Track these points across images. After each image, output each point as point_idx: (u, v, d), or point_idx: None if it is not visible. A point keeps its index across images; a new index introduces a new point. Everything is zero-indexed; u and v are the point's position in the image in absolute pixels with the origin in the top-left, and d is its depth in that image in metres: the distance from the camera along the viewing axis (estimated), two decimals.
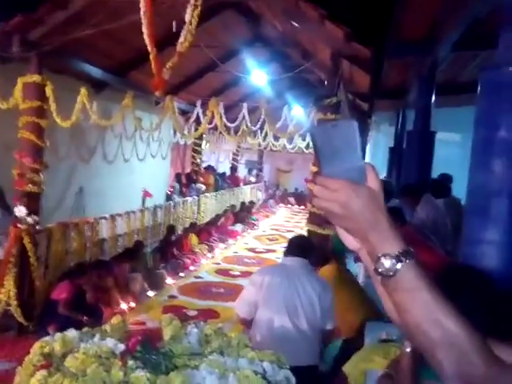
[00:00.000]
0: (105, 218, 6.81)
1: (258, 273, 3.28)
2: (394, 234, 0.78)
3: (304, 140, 13.12)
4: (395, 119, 9.64)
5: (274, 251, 9.97)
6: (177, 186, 11.32)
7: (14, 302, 4.91)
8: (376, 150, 13.19)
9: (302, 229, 10.43)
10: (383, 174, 10.38)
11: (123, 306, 5.90)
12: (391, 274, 0.77)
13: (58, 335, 1.92)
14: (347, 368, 2.23)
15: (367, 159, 13.94)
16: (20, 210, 5.01)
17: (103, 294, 5.79)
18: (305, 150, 13.99)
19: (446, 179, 5.93)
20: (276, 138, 12.34)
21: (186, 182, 11.62)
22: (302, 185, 17.94)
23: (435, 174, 6.15)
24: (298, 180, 18.98)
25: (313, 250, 3.37)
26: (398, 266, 0.76)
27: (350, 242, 0.85)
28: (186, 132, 9.38)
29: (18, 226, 5.06)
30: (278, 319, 2.99)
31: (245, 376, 1.70)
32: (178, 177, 11.80)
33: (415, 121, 6.12)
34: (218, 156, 16.19)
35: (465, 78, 7.31)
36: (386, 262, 0.77)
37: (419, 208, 4.35)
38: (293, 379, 1.79)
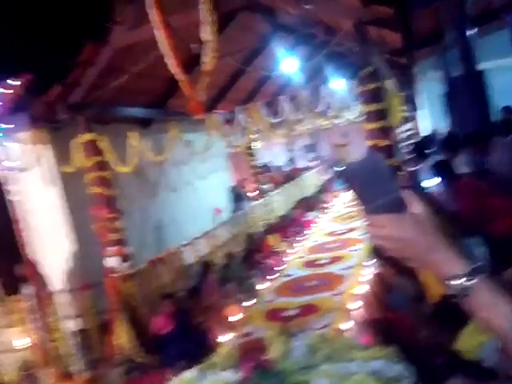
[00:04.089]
0: (186, 244, 7.09)
1: None
2: (456, 253, 0.77)
3: (352, 111, 12.85)
4: (440, 64, 9.17)
5: (354, 229, 9.84)
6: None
7: (130, 344, 5.27)
8: (431, 98, 12.59)
9: None
10: (444, 124, 9.92)
11: (228, 319, 6.06)
12: (465, 294, 0.75)
13: (180, 378, 2.05)
14: (461, 344, 2.19)
15: (422, 111, 13.36)
16: (110, 261, 5.35)
17: (204, 315, 6.02)
18: (356, 120, 13.69)
19: (509, 112, 5.58)
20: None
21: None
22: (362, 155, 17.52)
23: (497, 107, 5.80)
24: (356, 152, 18.56)
25: None
26: (469, 284, 0.75)
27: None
28: (234, 141, 9.53)
29: (112, 275, 5.41)
30: None
31: (359, 381, 1.73)
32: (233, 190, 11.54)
33: (459, 61, 5.82)
34: (272, 151, 16.25)
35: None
36: (456, 283, 0.76)
37: (491, 155, 4.13)
38: (407, 372, 1.80)
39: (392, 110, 5.48)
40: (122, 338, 5.28)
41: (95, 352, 5.52)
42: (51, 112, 5.75)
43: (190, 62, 6.48)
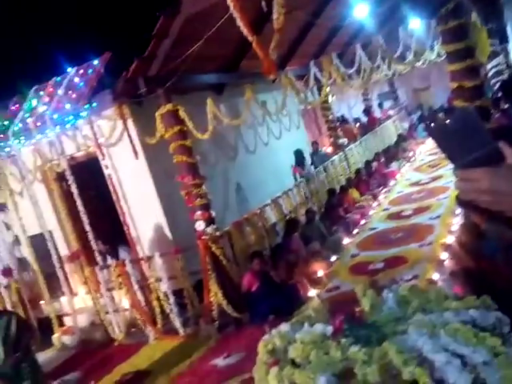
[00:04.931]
0: (268, 204, 7.23)
1: None
2: None
3: (432, 50, 12.02)
4: None
5: (439, 178, 9.43)
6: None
7: (223, 302, 5.59)
8: None
9: None
10: None
11: (314, 275, 6.18)
12: None
13: (275, 332, 2.17)
14: None
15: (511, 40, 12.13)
16: (200, 225, 5.64)
17: (290, 271, 6.19)
18: (437, 60, 12.81)
19: None
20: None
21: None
22: (445, 99, 16.43)
23: None
24: (439, 95, 17.46)
25: None
26: None
27: None
28: (309, 96, 9.37)
29: (203, 237, 5.70)
30: None
31: (455, 329, 1.73)
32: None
33: None
34: (348, 103, 15.76)
35: None
36: None
37: None
38: (505, 318, 1.76)
39: (479, 46, 5.05)
40: (215, 296, 5.60)
41: (192, 309, 5.92)
42: (132, 87, 6.00)
43: (260, 22, 6.41)
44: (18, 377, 4.32)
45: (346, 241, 7.36)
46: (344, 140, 11.41)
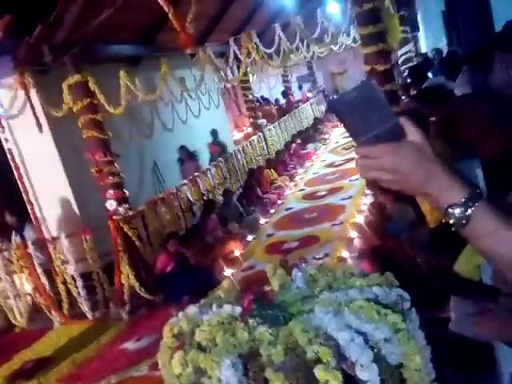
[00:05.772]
0: (185, 183, 7.07)
1: None
2: (455, 180, 0.73)
3: (348, 35, 12.36)
4: None
5: (352, 159, 9.79)
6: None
7: (136, 284, 5.40)
8: (428, 17, 12.06)
9: None
10: (443, 43, 9.57)
11: (230, 255, 6.17)
12: (464, 222, 0.73)
13: (181, 315, 2.08)
14: (459, 266, 2.21)
15: (421, 29, 12.82)
16: (111, 204, 5.37)
17: (206, 252, 6.14)
18: (353, 45, 13.21)
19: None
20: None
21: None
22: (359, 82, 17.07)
23: (501, 21, 5.50)
24: (354, 79, 18.10)
25: None
26: (468, 212, 0.72)
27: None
28: (229, 74, 9.24)
29: (114, 217, 5.44)
30: None
31: (359, 307, 1.75)
32: None
33: None
34: (268, 83, 15.82)
35: None
36: (455, 212, 0.73)
37: (494, 72, 3.95)
38: (406, 295, 1.81)
39: (390, 32, 5.23)
40: (127, 278, 5.40)
41: (101, 293, 5.67)
42: (36, 54, 5.51)
43: None
44: None
45: (262, 221, 7.43)
46: (263, 121, 11.47)
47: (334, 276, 2.15)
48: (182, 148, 9.07)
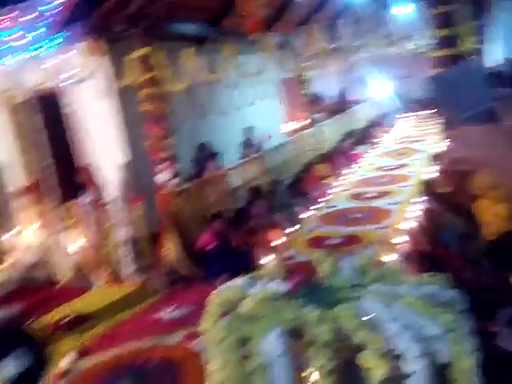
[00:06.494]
0: (233, 168, 7.13)
1: None
2: None
3: (416, 40, 12.03)
4: None
5: (405, 166, 9.58)
6: None
7: (177, 257, 5.52)
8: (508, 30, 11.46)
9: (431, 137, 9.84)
10: None
11: (271, 243, 6.18)
12: None
13: (229, 285, 2.11)
14: None
15: (494, 43, 12.28)
16: (162, 177, 5.49)
17: (248, 237, 6.17)
18: (420, 50, 12.85)
19: None
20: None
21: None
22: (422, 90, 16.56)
23: None
24: (416, 85, 17.57)
25: None
26: None
27: None
28: (289, 65, 9.21)
29: (163, 191, 5.57)
30: None
31: (409, 302, 1.73)
32: None
33: None
34: (326, 80, 15.66)
35: None
36: None
37: None
38: (460, 297, 1.77)
39: (463, 38, 5.05)
40: (170, 249, 5.52)
41: (144, 260, 5.83)
42: (108, 22, 5.67)
43: None
44: None
45: (306, 214, 7.39)
46: (319, 115, 11.38)
47: (384, 271, 2.13)
48: (202, 145, 7.95)
